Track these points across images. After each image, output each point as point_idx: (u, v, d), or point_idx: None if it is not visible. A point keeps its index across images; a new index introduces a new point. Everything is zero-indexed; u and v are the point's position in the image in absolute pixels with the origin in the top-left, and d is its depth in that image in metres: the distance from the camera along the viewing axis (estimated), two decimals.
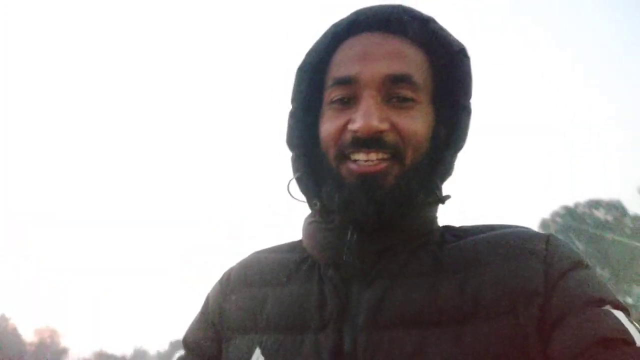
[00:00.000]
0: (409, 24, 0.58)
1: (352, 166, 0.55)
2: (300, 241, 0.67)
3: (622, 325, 0.47)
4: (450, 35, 0.60)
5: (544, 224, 28.71)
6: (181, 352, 0.68)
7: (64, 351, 58.11)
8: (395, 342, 0.52)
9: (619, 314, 0.48)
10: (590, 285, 0.51)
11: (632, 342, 0.45)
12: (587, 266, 0.54)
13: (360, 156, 0.55)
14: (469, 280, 0.53)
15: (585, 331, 0.47)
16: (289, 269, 0.63)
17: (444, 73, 0.60)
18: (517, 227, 0.59)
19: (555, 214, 28.51)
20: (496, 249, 0.55)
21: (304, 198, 0.63)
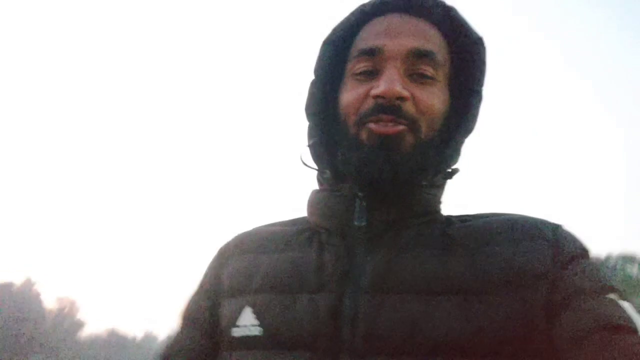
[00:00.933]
0: (433, 9, 0.61)
1: (373, 126, 0.56)
2: (303, 217, 0.67)
3: (628, 313, 0.48)
4: (470, 24, 0.62)
5: None
6: (179, 331, 0.66)
7: (80, 324, 59.91)
8: (399, 305, 0.52)
9: (624, 304, 0.49)
10: (598, 274, 0.52)
11: (637, 330, 0.46)
12: (594, 257, 0.55)
13: (380, 123, 0.56)
14: (478, 257, 0.54)
15: (591, 316, 0.47)
16: (288, 238, 0.63)
17: (460, 60, 0.62)
18: (523, 214, 0.60)
19: None
20: (506, 230, 0.56)
21: (315, 166, 0.64)
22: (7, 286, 49.70)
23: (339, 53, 0.62)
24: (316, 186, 0.67)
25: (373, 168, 0.54)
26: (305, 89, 0.64)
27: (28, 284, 54.25)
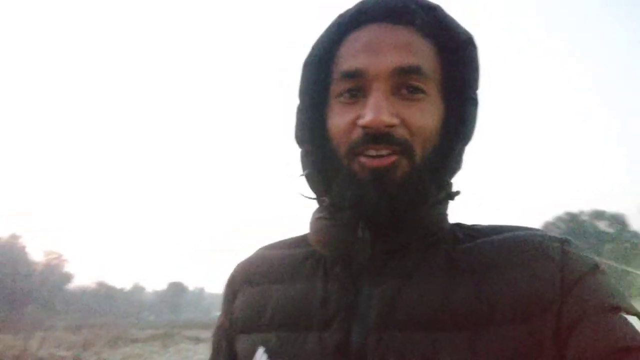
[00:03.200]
0: (415, 13, 0.56)
1: (364, 160, 0.53)
2: (306, 235, 0.65)
3: (637, 332, 0.47)
4: (458, 23, 0.58)
5: (547, 227, 29.68)
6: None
7: (68, 276, 60.78)
8: (407, 343, 0.50)
9: (634, 321, 0.48)
10: (606, 291, 0.50)
11: None
12: (602, 271, 0.52)
13: (371, 152, 0.53)
14: (484, 284, 0.52)
15: (601, 339, 0.46)
16: (293, 266, 0.62)
17: (451, 62, 0.58)
18: (530, 229, 0.58)
19: (559, 219, 29.32)
20: (512, 252, 0.54)
21: (313, 195, 0.62)
22: None
23: (322, 72, 0.59)
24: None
25: (368, 205, 0.53)
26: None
27: (13, 238, 54.42)
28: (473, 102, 0.59)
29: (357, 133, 0.54)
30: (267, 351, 0.56)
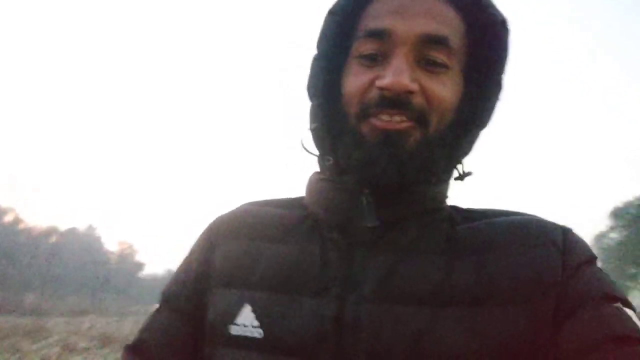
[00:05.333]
0: None
1: (375, 122, 0.51)
2: (300, 198, 0.62)
3: (635, 323, 0.47)
4: (493, 4, 0.55)
5: (616, 212, 28.24)
6: (160, 312, 0.62)
7: (139, 265, 64.89)
8: (403, 317, 0.49)
9: (630, 313, 0.48)
10: (604, 281, 0.50)
11: None
12: (597, 263, 0.53)
13: (384, 117, 0.51)
14: (484, 264, 0.51)
15: (598, 326, 0.46)
16: (287, 226, 0.58)
17: (480, 43, 0.55)
18: (530, 215, 0.57)
19: (629, 204, 27.70)
20: (513, 235, 0.53)
21: (316, 152, 0.59)
22: (72, 231, 54.16)
23: (345, 25, 0.56)
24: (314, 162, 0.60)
25: (376, 168, 0.51)
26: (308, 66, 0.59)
27: (90, 229, 58.84)
28: (497, 85, 0.56)
29: (373, 94, 0.52)
30: (254, 310, 0.54)
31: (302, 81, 0.60)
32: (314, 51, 0.59)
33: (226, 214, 0.65)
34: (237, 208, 0.65)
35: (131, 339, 0.61)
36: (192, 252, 0.64)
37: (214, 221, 0.65)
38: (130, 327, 12.58)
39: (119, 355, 0.60)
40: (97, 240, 59.49)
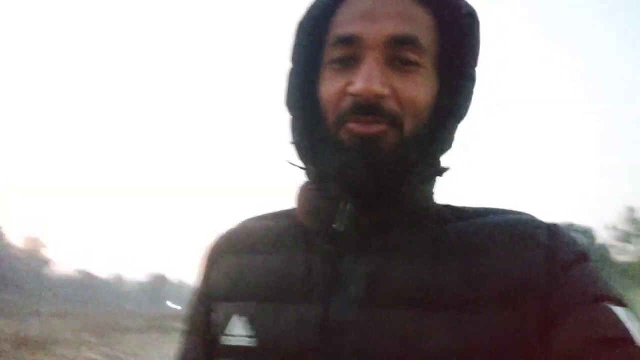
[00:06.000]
0: None
1: (352, 126, 0.52)
2: (293, 209, 0.63)
3: (623, 323, 0.45)
4: None
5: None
6: (188, 341, 0.64)
7: (45, 261, 60.23)
8: (390, 320, 0.49)
9: (619, 311, 0.46)
10: (592, 281, 0.49)
11: (632, 341, 0.44)
12: (589, 260, 0.51)
13: (359, 123, 0.52)
14: (470, 266, 0.51)
15: (585, 329, 0.45)
16: (276, 236, 0.60)
17: (450, 36, 0.56)
18: (517, 212, 0.57)
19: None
20: (499, 236, 0.52)
21: (301, 164, 0.59)
22: None
23: (316, 35, 0.57)
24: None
25: (353, 173, 0.51)
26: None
27: None
28: (470, 78, 0.57)
29: (347, 101, 0.53)
30: (241, 320, 0.55)
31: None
32: (288, 64, 0.59)
33: (225, 232, 0.67)
34: (236, 225, 0.67)
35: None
36: (199, 274, 0.66)
37: (216, 238, 0.67)
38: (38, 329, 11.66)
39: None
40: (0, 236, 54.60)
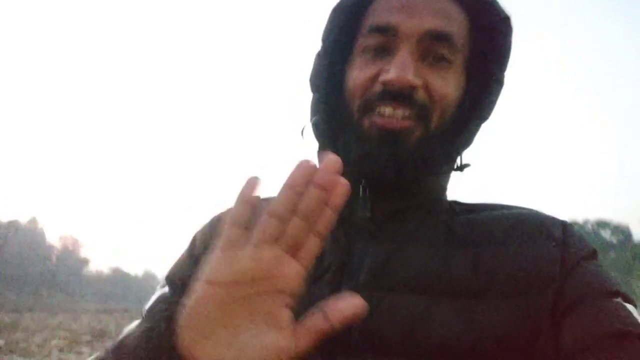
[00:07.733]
0: None
1: (377, 119, 0.52)
2: None
3: (635, 318, 0.46)
4: (497, 1, 0.56)
5: None
6: (164, 290, 0.61)
7: (84, 261, 62.44)
8: (399, 305, 0.49)
9: (631, 308, 0.47)
10: (604, 277, 0.49)
11: None
12: (597, 258, 0.52)
13: (387, 110, 0.52)
14: (483, 256, 0.51)
15: (598, 322, 0.45)
16: None
17: (484, 39, 0.56)
18: (530, 209, 0.57)
19: None
20: (513, 228, 0.53)
21: (316, 144, 0.59)
22: (13, 224, 51.46)
23: (350, 22, 0.57)
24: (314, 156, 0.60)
25: (375, 164, 0.52)
26: (311, 60, 0.60)
27: (33, 223, 56.12)
28: (498, 82, 0.57)
29: (377, 88, 0.53)
30: None
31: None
32: (318, 46, 0.60)
33: (230, 207, 0.64)
34: None
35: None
36: (194, 241, 0.64)
37: (218, 214, 0.66)
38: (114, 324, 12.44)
39: None
40: (41, 234, 56.87)
